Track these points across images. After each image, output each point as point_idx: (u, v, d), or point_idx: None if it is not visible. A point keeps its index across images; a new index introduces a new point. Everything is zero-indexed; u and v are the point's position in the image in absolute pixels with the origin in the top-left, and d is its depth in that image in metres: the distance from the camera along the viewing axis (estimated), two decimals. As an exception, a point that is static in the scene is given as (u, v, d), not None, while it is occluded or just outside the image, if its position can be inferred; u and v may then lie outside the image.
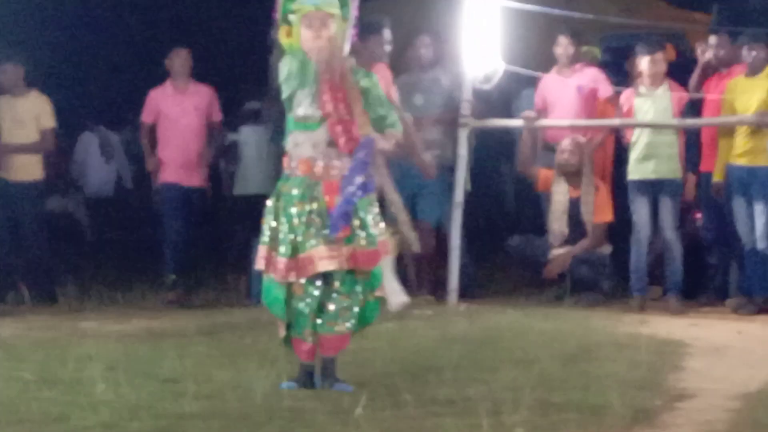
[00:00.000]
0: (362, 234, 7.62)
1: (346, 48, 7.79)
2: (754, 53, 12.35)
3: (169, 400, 7.33)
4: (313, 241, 7.55)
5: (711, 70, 13.12)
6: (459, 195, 13.16)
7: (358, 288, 7.72)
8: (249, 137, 16.73)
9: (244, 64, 23.34)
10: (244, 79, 20.70)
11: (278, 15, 7.72)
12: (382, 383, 7.69)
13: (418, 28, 14.49)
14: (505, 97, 14.43)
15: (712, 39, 13.15)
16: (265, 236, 7.74)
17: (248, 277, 12.69)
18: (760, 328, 11.24)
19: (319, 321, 7.69)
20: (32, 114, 13.88)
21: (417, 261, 13.33)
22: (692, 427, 6.85)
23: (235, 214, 17.09)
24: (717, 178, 12.53)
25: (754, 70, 12.32)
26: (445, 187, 13.24)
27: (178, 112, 13.08)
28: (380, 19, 11.96)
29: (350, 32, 7.80)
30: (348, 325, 7.74)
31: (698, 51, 13.12)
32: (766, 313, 12.08)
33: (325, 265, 7.55)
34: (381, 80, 10.51)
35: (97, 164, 20.19)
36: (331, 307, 7.68)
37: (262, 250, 7.75)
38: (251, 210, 16.65)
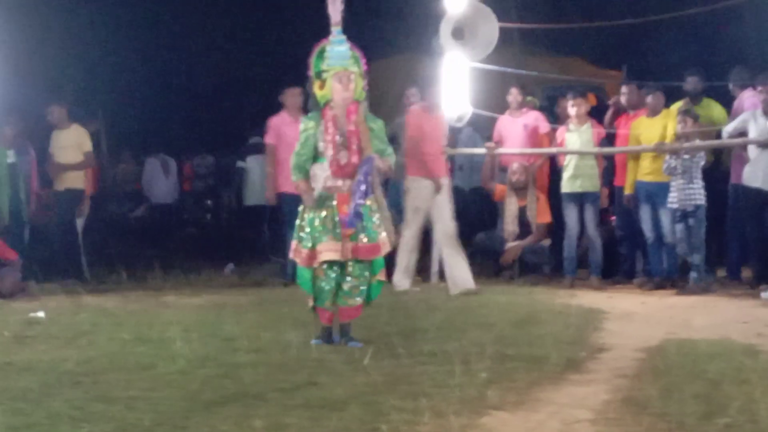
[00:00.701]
0: (363, 233, 7.71)
1: (362, 94, 7.86)
2: (653, 99, 12.38)
3: (228, 353, 7.32)
4: (324, 238, 7.67)
5: (621, 111, 13.15)
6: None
7: (366, 273, 7.78)
8: (253, 164, 16.90)
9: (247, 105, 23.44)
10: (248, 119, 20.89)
11: (312, 72, 7.79)
12: (383, 341, 7.67)
13: (409, 82, 14.48)
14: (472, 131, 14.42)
15: (624, 88, 13.16)
16: (295, 234, 7.88)
17: (285, 263, 12.63)
18: (658, 300, 11.22)
19: (337, 296, 7.74)
20: (74, 142, 14.12)
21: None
22: (609, 372, 6.82)
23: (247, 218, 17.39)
24: (628, 191, 12.54)
25: (654, 112, 12.35)
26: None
27: (293, 136, 12.55)
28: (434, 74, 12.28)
29: (364, 83, 7.85)
30: (358, 299, 7.84)
31: (611, 98, 13.13)
32: (661, 289, 12.07)
33: (329, 256, 7.67)
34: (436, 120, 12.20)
35: (160, 181, 20.18)
36: (346, 286, 7.78)
37: (293, 244, 7.89)
38: (258, 214, 16.96)
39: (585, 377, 6.68)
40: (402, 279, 12.02)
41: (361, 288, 7.84)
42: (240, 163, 17.53)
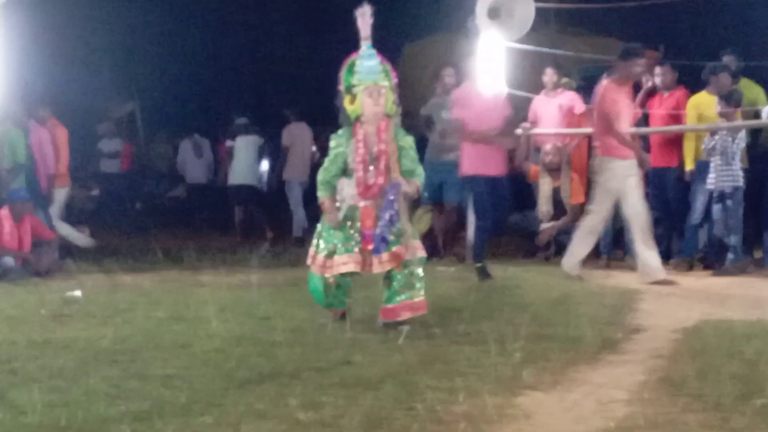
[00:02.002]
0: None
1: (393, 108, 7.81)
2: (718, 78, 12.24)
3: (264, 332, 7.34)
4: (342, 250, 7.66)
5: (654, 92, 13.06)
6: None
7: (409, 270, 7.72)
8: (241, 144, 17.02)
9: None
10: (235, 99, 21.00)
11: (342, 87, 7.74)
12: (418, 320, 7.65)
13: (445, 62, 14.45)
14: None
15: (658, 69, 13.06)
16: (313, 243, 7.88)
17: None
18: (693, 281, 11.19)
19: (392, 295, 7.72)
20: None
21: (443, 232, 13.37)
22: (645, 352, 6.81)
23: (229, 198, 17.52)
24: (690, 167, 12.41)
25: (717, 90, 12.16)
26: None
27: None
28: (635, 46, 11.41)
29: (395, 97, 7.80)
30: (418, 293, 7.76)
31: (642, 79, 13.02)
32: (696, 270, 12.04)
33: (346, 268, 7.67)
34: (627, 96, 11.26)
35: (192, 161, 20.22)
36: (395, 285, 7.71)
37: (311, 251, 7.89)
38: (242, 195, 17.12)
39: (621, 357, 6.67)
40: (655, 267, 11.12)
41: (416, 284, 7.75)
42: (229, 143, 17.67)
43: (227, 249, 13.66)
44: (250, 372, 5.96)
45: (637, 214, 11.07)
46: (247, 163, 17.32)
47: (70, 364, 6.19)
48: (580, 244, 11.39)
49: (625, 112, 11.13)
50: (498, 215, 11.50)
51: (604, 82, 11.40)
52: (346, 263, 7.64)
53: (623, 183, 11.05)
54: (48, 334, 7.31)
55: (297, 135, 17.44)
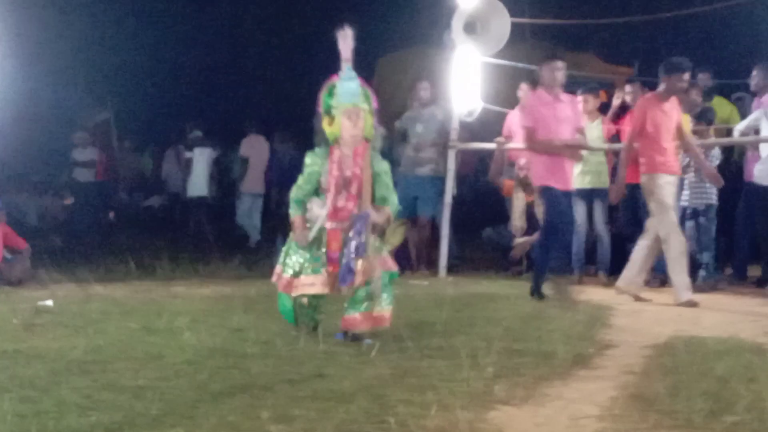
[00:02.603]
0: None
1: (371, 132, 7.77)
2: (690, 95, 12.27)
3: (237, 344, 7.33)
4: (308, 270, 7.66)
5: (627, 109, 13.11)
6: (448, 197, 13.21)
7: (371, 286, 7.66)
8: (198, 155, 17.15)
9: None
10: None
11: (321, 108, 7.71)
12: (391, 334, 7.64)
13: (420, 76, 14.49)
14: (483, 126, 14.37)
15: (628, 87, 13.13)
16: (280, 260, 7.86)
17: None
18: (666, 297, 11.21)
19: (353, 305, 7.67)
20: None
21: (417, 246, 13.39)
22: (617, 368, 6.82)
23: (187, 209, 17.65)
24: None
25: (688, 107, 12.18)
26: (438, 192, 13.28)
27: (552, 115, 11.40)
28: (682, 61, 10.93)
29: (374, 120, 7.77)
30: (384, 307, 7.72)
31: (613, 97, 13.10)
32: (668, 286, 12.08)
33: (311, 290, 7.67)
34: (673, 110, 10.78)
35: (175, 170, 20.28)
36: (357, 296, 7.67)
37: (277, 268, 7.87)
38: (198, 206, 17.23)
39: (593, 373, 6.68)
40: (684, 287, 10.66)
41: (381, 296, 7.69)
42: (188, 154, 17.76)
43: (199, 260, 13.63)
44: (222, 384, 5.95)
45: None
46: (202, 175, 17.46)
47: (42, 375, 6.16)
48: (642, 261, 10.97)
49: (666, 126, 10.74)
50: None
51: (646, 97, 11.16)
52: (312, 284, 7.63)
53: (676, 198, 10.95)
54: (19, 344, 7.28)
55: (255, 148, 17.62)
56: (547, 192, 10.72)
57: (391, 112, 14.71)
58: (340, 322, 7.74)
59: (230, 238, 17.31)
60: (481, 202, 15.87)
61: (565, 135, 10.79)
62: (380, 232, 7.77)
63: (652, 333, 8.43)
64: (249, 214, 17.66)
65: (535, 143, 10.81)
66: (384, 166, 7.84)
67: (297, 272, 7.66)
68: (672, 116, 10.78)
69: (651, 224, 10.84)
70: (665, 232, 10.56)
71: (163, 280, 11.90)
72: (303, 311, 7.78)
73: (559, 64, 10.84)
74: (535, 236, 13.05)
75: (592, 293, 11.37)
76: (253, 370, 6.40)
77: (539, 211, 13.02)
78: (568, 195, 10.85)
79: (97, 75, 23.47)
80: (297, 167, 8.00)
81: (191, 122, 18.43)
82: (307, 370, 6.40)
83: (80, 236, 17.32)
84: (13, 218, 12.58)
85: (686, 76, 10.93)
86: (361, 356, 6.92)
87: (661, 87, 10.84)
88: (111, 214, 21.27)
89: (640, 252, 10.91)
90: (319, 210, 7.67)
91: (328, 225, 7.64)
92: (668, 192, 10.70)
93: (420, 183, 13.31)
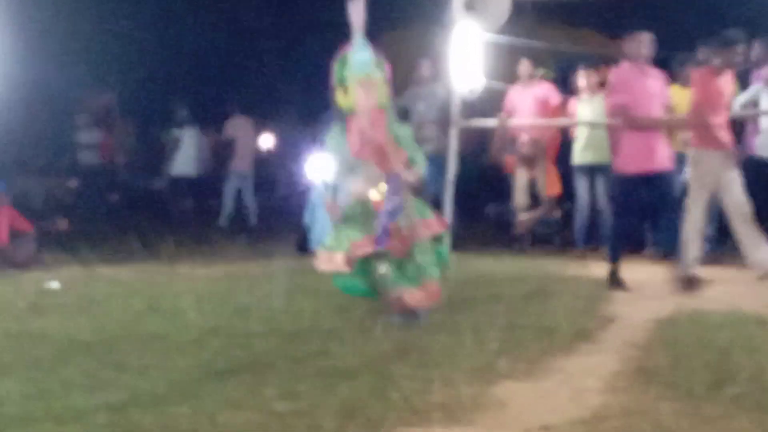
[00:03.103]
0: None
1: (387, 99, 7.73)
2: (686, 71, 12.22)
3: (240, 323, 7.35)
4: (358, 235, 7.56)
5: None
6: (451, 175, 13.18)
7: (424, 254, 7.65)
8: (185, 135, 17.15)
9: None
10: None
11: (334, 80, 7.67)
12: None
13: (421, 54, 14.48)
14: (484, 103, 14.34)
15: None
16: (326, 245, 7.74)
17: (300, 235, 12.67)
18: (668, 271, 11.21)
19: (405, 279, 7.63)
20: None
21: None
22: (618, 341, 6.84)
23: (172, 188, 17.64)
24: None
25: (687, 82, 12.14)
26: (441, 169, 13.27)
27: (642, 88, 10.93)
28: (736, 34, 10.49)
29: (388, 89, 7.73)
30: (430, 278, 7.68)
31: (606, 71, 13.06)
32: (670, 259, 12.09)
33: (367, 250, 7.54)
34: (727, 84, 10.42)
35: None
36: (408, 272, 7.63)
37: (322, 256, 7.72)
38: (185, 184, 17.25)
39: (595, 347, 6.70)
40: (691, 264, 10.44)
41: (427, 268, 7.63)
42: (176, 132, 17.74)
43: (203, 240, 13.64)
44: (226, 362, 5.97)
45: (739, 206, 10.32)
46: (187, 153, 17.48)
47: (47, 355, 6.19)
48: (694, 243, 10.43)
49: (720, 102, 10.36)
50: (666, 216, 10.83)
51: (701, 71, 10.66)
52: (364, 246, 7.55)
53: (719, 175, 10.41)
54: (25, 326, 7.31)
55: (241, 128, 17.70)
56: (625, 180, 10.11)
57: (392, 90, 14.70)
58: (390, 300, 7.63)
59: (235, 217, 17.31)
60: (483, 178, 15.83)
61: (655, 111, 10.13)
62: (414, 192, 7.75)
63: (653, 307, 8.43)
64: (235, 194, 17.76)
65: (631, 120, 10.02)
66: (405, 130, 7.83)
67: (346, 246, 7.53)
68: (725, 91, 10.48)
69: (689, 202, 10.43)
70: (693, 205, 10.29)
71: (167, 261, 11.91)
72: (379, 275, 7.65)
73: (645, 35, 10.30)
74: (538, 212, 13.09)
75: (595, 268, 11.36)
76: (257, 348, 6.42)
77: (541, 188, 13.07)
78: (664, 176, 10.13)
79: (99, 57, 23.41)
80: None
81: (178, 101, 18.37)
82: (311, 348, 6.42)
83: (85, 218, 17.33)
84: (18, 201, 12.56)
85: (740, 48, 10.57)
86: (364, 333, 6.93)
87: (716, 60, 10.47)
88: (114, 196, 21.25)
89: (740, 236, 10.39)
90: (357, 186, 7.63)
91: (371, 193, 7.61)
92: (711, 169, 10.32)
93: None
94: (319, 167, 7.80)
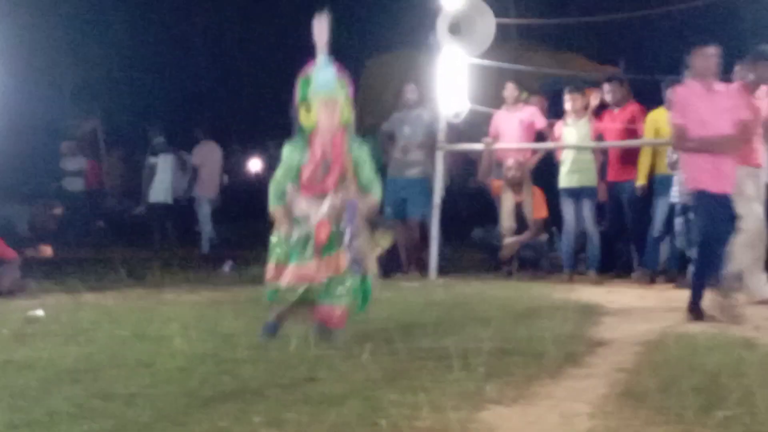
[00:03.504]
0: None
1: (349, 119, 7.72)
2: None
3: (227, 349, 7.31)
4: (295, 259, 7.56)
5: (603, 108, 13.15)
6: (437, 199, 13.21)
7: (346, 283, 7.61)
8: (162, 161, 17.18)
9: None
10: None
11: (297, 98, 7.66)
12: (382, 336, 7.64)
13: (407, 78, 14.50)
14: (470, 127, 14.36)
15: (606, 86, 13.16)
16: (272, 258, 7.76)
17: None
18: (656, 294, 11.25)
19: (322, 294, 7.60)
20: None
21: (407, 248, 13.38)
22: (607, 366, 6.83)
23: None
24: (642, 182, 12.49)
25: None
26: (427, 193, 13.29)
27: (704, 107, 10.65)
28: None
29: (351, 109, 7.72)
30: (342, 302, 7.63)
31: (590, 97, 13.11)
32: (658, 283, 12.12)
33: (297, 280, 7.52)
34: (763, 99, 10.45)
35: (177, 176, 20.21)
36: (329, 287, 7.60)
37: (270, 266, 7.76)
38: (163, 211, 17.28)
39: (583, 371, 6.68)
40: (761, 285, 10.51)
41: (346, 290, 7.59)
42: (152, 159, 17.76)
43: (190, 266, 13.62)
44: (213, 390, 5.94)
45: (754, 226, 10.30)
46: (164, 181, 17.51)
47: (33, 384, 6.14)
48: (746, 258, 10.28)
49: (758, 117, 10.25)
50: (651, 238, 10.67)
51: (736, 86, 10.28)
52: (297, 275, 7.52)
53: (761, 190, 10.47)
54: (10, 354, 7.26)
55: (207, 153, 17.78)
56: (701, 197, 9.38)
57: (377, 114, 14.73)
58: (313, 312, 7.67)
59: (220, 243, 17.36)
60: (470, 202, 15.87)
61: (724, 129, 9.40)
62: (367, 220, 7.73)
63: (642, 330, 8.44)
64: (211, 218, 17.87)
65: (685, 142, 9.48)
66: (363, 152, 7.75)
67: (284, 261, 7.57)
68: (761, 106, 10.41)
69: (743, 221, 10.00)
70: (745, 221, 9.95)
71: (153, 287, 11.88)
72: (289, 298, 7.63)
73: (712, 50, 9.51)
74: (525, 236, 13.11)
75: (582, 291, 11.37)
76: (244, 375, 6.39)
77: (528, 211, 13.09)
78: (725, 198, 9.38)
79: (84, 84, 23.43)
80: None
81: (154, 128, 18.39)
82: (299, 374, 6.39)
83: (70, 245, 17.29)
84: (2, 228, 12.51)
85: None
86: (351, 359, 6.90)
87: (750, 76, 10.44)
88: (100, 223, 21.22)
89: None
90: (307, 208, 7.62)
91: (313, 204, 7.58)
92: (749, 183, 10.26)
93: (408, 185, 13.33)
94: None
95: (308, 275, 7.53)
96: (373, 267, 7.73)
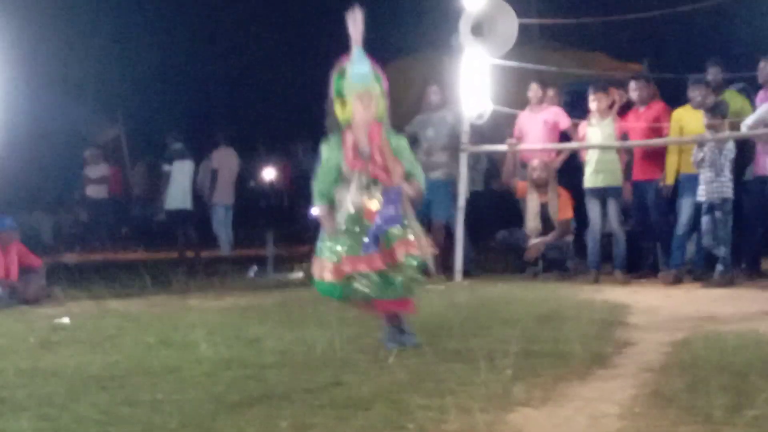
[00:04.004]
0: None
1: (384, 113, 7.69)
2: (695, 92, 12.29)
3: (253, 354, 7.32)
4: (350, 252, 7.45)
5: (628, 107, 13.12)
6: (461, 201, 13.20)
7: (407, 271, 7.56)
8: (177, 168, 17.18)
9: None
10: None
11: (332, 92, 7.63)
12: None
13: (429, 80, 14.51)
14: (493, 129, 14.34)
15: (632, 84, 13.13)
16: (319, 251, 7.66)
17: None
18: (683, 294, 11.21)
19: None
20: None
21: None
22: (635, 366, 6.80)
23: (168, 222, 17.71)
24: (670, 181, 12.47)
25: (697, 104, 12.19)
26: (452, 195, 13.28)
27: None
28: None
29: (386, 103, 7.69)
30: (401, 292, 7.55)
31: (616, 95, 13.07)
32: (685, 282, 12.09)
33: (359, 267, 7.42)
34: None
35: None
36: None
37: (316, 263, 7.66)
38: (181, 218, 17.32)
39: (611, 372, 6.66)
40: None
41: (405, 283, 7.47)
42: (166, 167, 17.77)
43: (214, 272, 13.65)
44: (239, 395, 5.95)
45: None
46: (182, 187, 17.52)
47: (59, 392, 6.16)
48: None
49: None
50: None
51: None
52: (357, 263, 7.42)
53: None
54: (36, 362, 7.29)
55: (224, 159, 17.84)
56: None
57: (401, 116, 14.74)
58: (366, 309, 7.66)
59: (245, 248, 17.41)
60: (494, 204, 15.85)
61: None
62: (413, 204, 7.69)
63: (669, 330, 8.41)
64: (224, 224, 17.92)
65: None
66: (401, 141, 7.74)
67: (339, 258, 7.45)
68: None
69: None
70: None
71: (178, 294, 11.92)
72: (356, 290, 7.62)
73: None
74: (550, 236, 13.08)
75: (609, 292, 11.34)
76: (271, 380, 6.40)
77: (553, 212, 13.07)
78: None
79: (106, 92, 23.52)
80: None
81: (171, 134, 18.41)
82: (325, 378, 6.39)
83: (95, 252, 17.40)
84: (27, 236, 12.59)
85: None
86: (378, 362, 6.91)
87: None
88: (124, 230, 21.31)
89: None
90: (348, 197, 7.57)
91: (365, 200, 7.53)
92: None
93: (433, 187, 13.24)
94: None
95: (366, 263, 7.48)
96: (427, 250, 7.67)
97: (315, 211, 7.74)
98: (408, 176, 7.60)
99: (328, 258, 7.51)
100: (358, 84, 7.51)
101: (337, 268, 7.46)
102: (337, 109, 7.58)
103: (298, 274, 13.21)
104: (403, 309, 7.63)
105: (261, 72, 25.64)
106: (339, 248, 7.46)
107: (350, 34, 7.62)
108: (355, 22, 7.62)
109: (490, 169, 15.76)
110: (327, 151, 7.67)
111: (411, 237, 7.50)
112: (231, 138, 18.54)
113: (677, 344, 7.63)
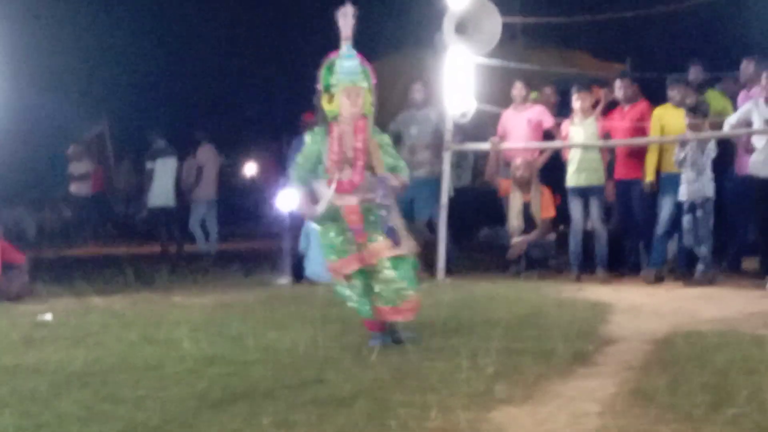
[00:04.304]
0: (377, 234, 7.55)
1: (371, 109, 7.71)
2: (676, 91, 12.32)
3: (236, 351, 7.33)
4: (344, 254, 7.58)
5: (613, 105, 13.12)
6: (444, 199, 13.20)
7: (399, 269, 7.58)
8: (160, 166, 17.15)
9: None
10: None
11: (320, 86, 7.66)
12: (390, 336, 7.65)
13: (413, 78, 14.50)
14: (477, 127, 14.34)
15: (618, 82, 13.14)
16: (325, 252, 7.76)
17: (295, 261, 12.72)
18: (664, 292, 11.23)
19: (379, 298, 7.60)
20: None
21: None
22: (617, 364, 6.83)
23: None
24: (650, 178, 12.46)
25: (679, 103, 12.22)
26: (434, 194, 13.28)
27: None
28: None
29: (373, 98, 7.72)
30: (408, 293, 7.61)
31: (601, 94, 13.10)
32: (666, 281, 12.11)
33: (351, 268, 7.56)
34: None
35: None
36: (378, 287, 7.56)
37: (328, 265, 7.77)
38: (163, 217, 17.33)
39: (592, 370, 6.68)
40: None
41: (402, 284, 7.56)
42: (150, 165, 17.75)
43: (198, 270, 13.64)
44: (222, 392, 5.95)
45: None
46: (166, 184, 17.49)
47: (42, 388, 6.16)
48: None
49: None
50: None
51: None
52: (348, 265, 7.55)
53: None
54: (19, 359, 7.28)
55: (209, 156, 17.83)
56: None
57: (384, 115, 14.73)
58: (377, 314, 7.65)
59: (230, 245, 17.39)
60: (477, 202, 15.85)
61: None
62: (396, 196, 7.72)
63: (650, 328, 8.43)
64: (202, 222, 17.89)
65: None
66: (385, 137, 7.77)
67: (337, 257, 7.60)
68: None
69: None
70: None
71: (161, 291, 11.90)
72: (354, 291, 7.66)
73: None
74: (533, 235, 13.09)
75: (591, 290, 11.37)
76: (253, 377, 6.41)
77: (536, 211, 13.08)
78: None
79: (91, 88, 23.48)
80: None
81: (154, 131, 18.36)
82: (307, 376, 6.40)
83: (78, 249, 17.37)
84: (10, 232, 12.56)
85: None
86: (360, 360, 6.92)
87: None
88: (107, 227, 21.27)
89: None
90: (324, 190, 7.59)
91: (339, 202, 7.57)
92: None
93: (416, 185, 13.23)
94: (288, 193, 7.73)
95: (357, 261, 7.53)
96: (411, 246, 7.70)
97: (280, 203, 7.77)
98: (391, 170, 7.64)
99: (331, 258, 7.61)
100: (346, 79, 7.56)
101: (335, 267, 7.59)
102: (324, 103, 7.61)
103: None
104: (400, 316, 7.65)
105: (245, 70, 25.63)
106: (335, 238, 7.55)
107: (340, 28, 7.64)
108: (346, 18, 7.65)
109: (474, 166, 15.78)
110: (310, 139, 7.72)
111: (389, 242, 7.54)
112: (212, 135, 18.49)
113: (658, 342, 7.66)
